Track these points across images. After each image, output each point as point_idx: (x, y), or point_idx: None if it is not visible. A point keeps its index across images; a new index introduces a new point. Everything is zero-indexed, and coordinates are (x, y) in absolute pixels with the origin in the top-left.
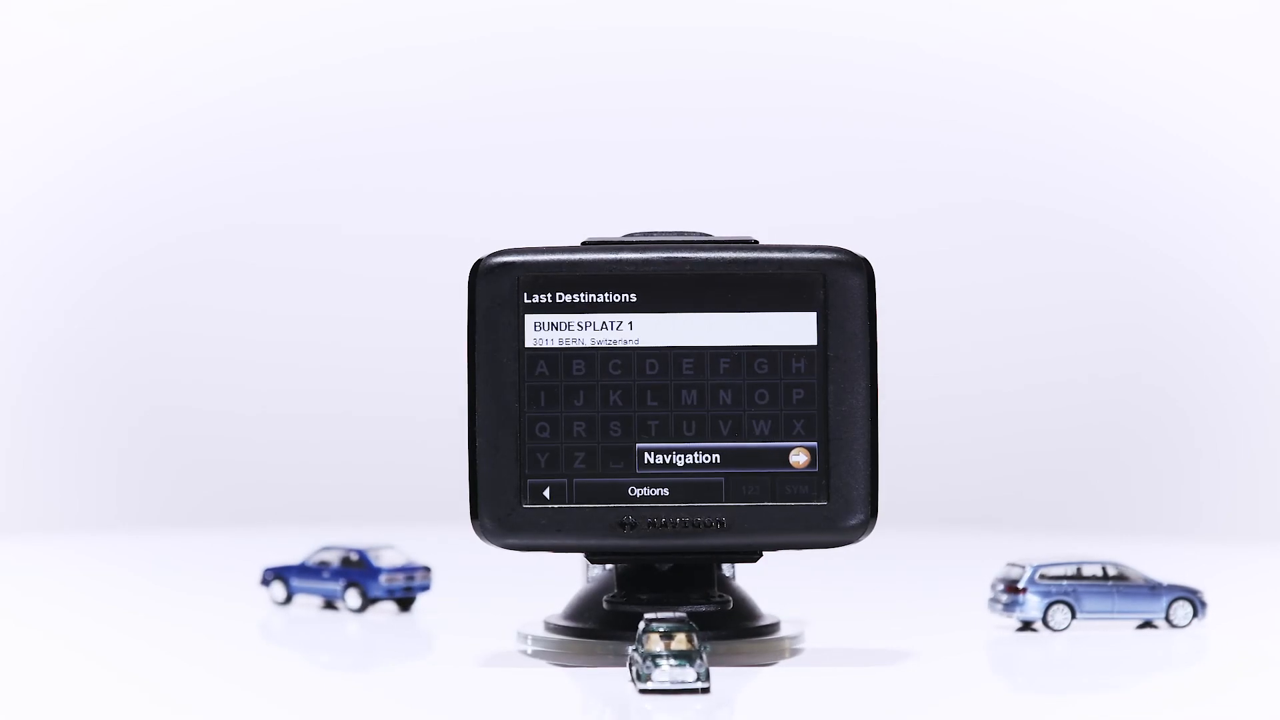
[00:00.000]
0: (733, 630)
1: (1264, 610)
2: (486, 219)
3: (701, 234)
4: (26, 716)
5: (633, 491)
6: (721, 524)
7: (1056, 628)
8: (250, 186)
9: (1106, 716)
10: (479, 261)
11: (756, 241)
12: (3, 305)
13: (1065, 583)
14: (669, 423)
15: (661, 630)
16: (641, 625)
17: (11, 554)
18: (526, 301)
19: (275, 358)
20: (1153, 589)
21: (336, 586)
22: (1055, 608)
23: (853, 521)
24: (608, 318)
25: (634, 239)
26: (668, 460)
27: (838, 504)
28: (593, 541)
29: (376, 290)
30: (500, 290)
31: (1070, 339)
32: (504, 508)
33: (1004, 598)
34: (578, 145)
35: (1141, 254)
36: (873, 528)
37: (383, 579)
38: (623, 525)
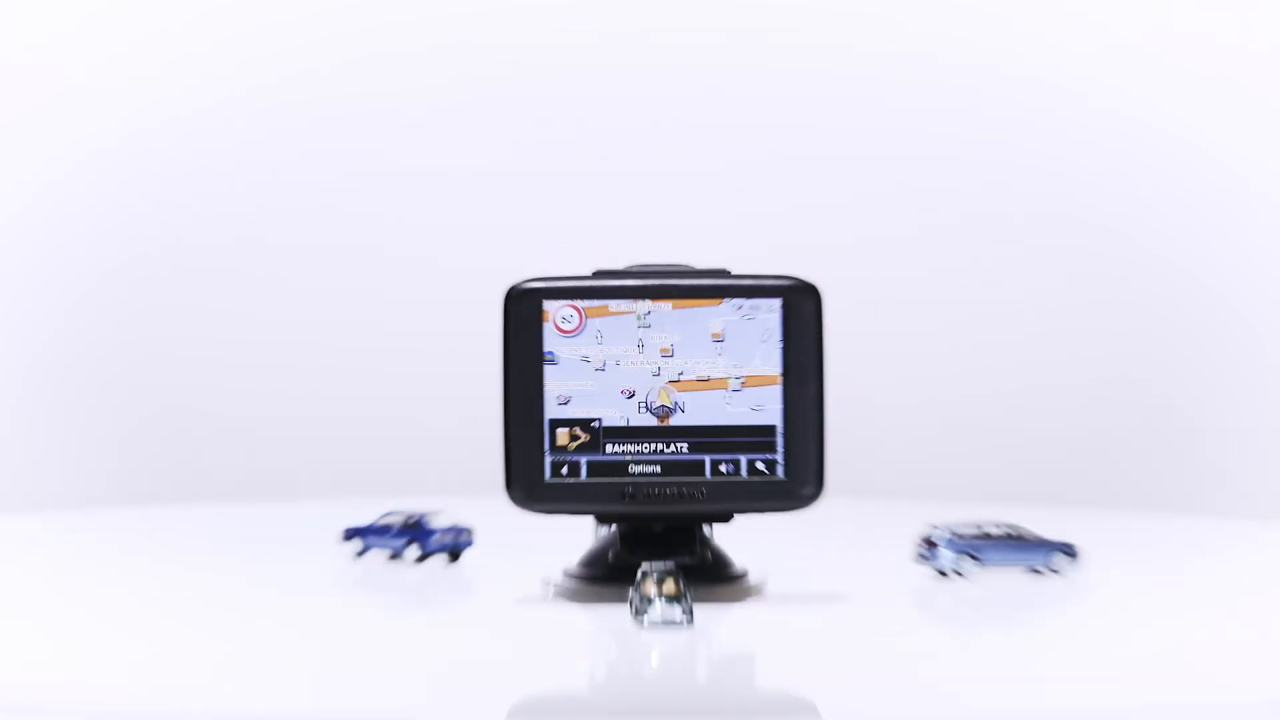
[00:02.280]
0: (710, 577)
1: (1132, 563)
2: (513, 247)
3: (686, 265)
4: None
5: (632, 470)
6: (702, 494)
7: (963, 573)
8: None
9: (998, 638)
10: (511, 288)
11: (728, 271)
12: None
13: (971, 540)
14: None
15: (655, 577)
16: (639, 573)
17: (118, 522)
18: (547, 318)
19: (349, 362)
20: (1038, 544)
21: (399, 543)
22: (963, 559)
23: (805, 492)
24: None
25: (634, 269)
26: (660, 445)
27: (793, 479)
28: (600, 508)
29: (417, 310)
30: (529, 309)
31: (1061, 338)
32: (531, 482)
33: (925, 551)
34: (588, 177)
35: (1132, 252)
36: (820, 496)
37: (435, 537)
38: (624, 495)
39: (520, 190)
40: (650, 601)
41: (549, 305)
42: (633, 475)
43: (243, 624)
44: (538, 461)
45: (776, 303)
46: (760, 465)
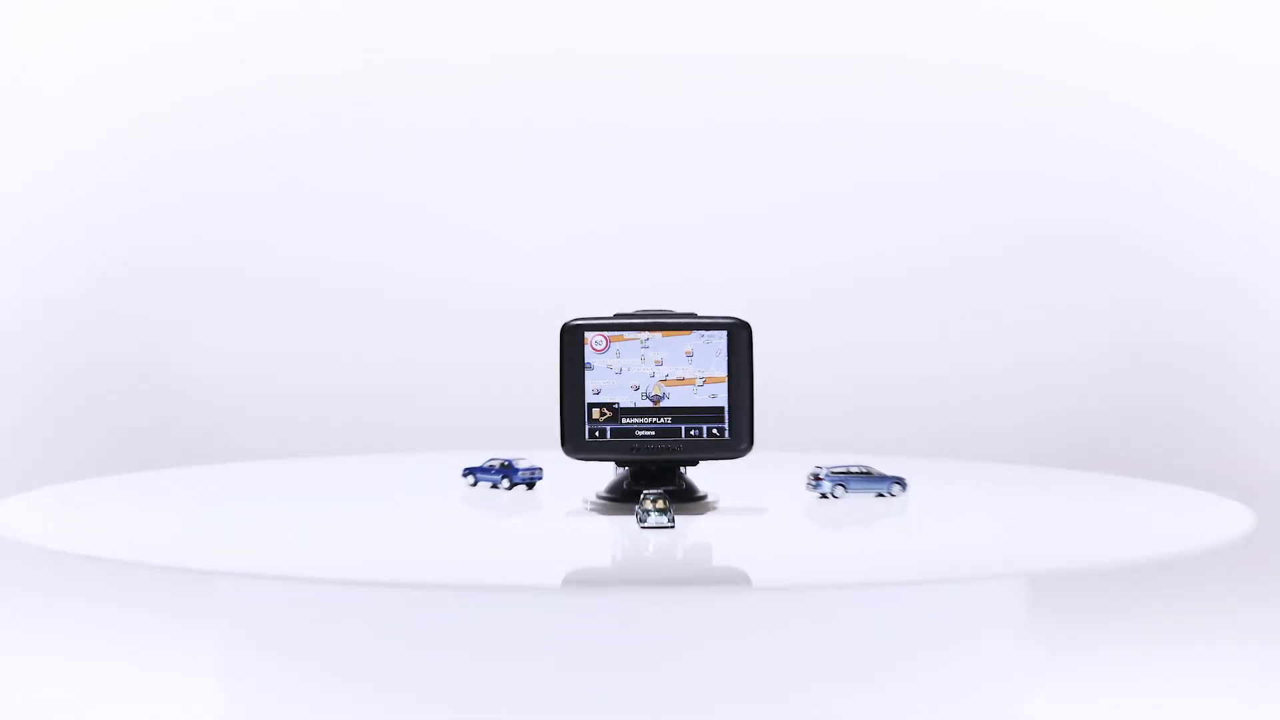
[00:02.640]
0: (685, 498)
1: (957, 494)
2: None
3: (671, 310)
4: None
5: (637, 434)
6: (679, 448)
7: (836, 497)
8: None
9: (851, 535)
10: (564, 324)
11: (696, 314)
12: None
13: (841, 474)
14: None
15: (651, 498)
16: (641, 496)
17: (253, 473)
18: (587, 343)
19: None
20: (883, 478)
21: (497, 477)
22: (836, 486)
23: (742, 447)
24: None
25: (639, 313)
26: (654, 419)
27: (734, 439)
28: (617, 456)
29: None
30: (576, 337)
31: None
32: (576, 441)
33: (812, 482)
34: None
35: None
36: (752, 449)
37: (520, 473)
38: (632, 449)
39: (551, 229)
40: (648, 513)
41: (588, 335)
42: (638, 437)
43: (397, 510)
44: (580, 428)
45: (724, 333)
46: (714, 430)
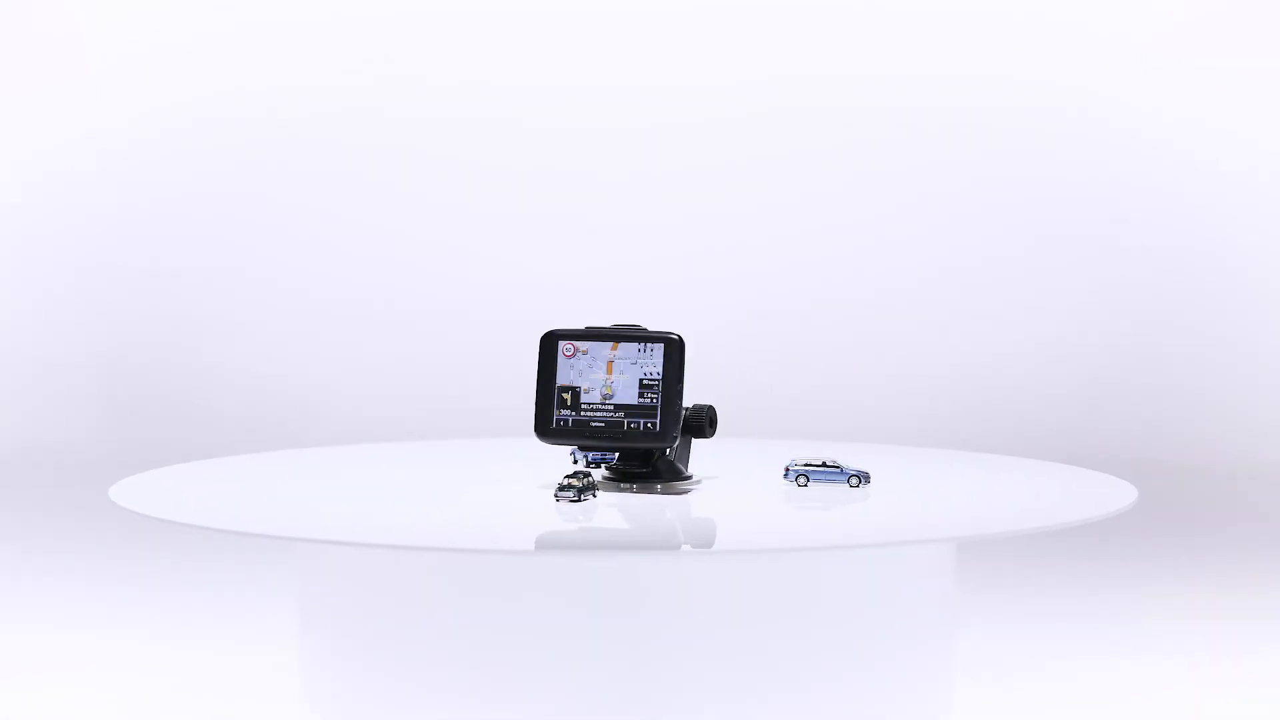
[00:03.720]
0: (673, 477)
1: (916, 485)
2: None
3: (631, 325)
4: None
5: (592, 424)
6: (620, 436)
7: (801, 486)
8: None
9: (812, 516)
10: (545, 333)
11: (643, 327)
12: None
13: (811, 466)
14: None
15: (568, 477)
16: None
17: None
18: (559, 350)
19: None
20: (844, 470)
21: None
22: (801, 477)
23: (670, 438)
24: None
25: (600, 328)
26: (606, 412)
27: (663, 431)
28: (576, 441)
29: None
30: (550, 344)
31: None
32: (545, 427)
33: (786, 472)
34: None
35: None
36: (677, 441)
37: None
38: (587, 435)
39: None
40: (564, 489)
41: (560, 343)
42: (591, 426)
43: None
44: (549, 418)
45: (661, 346)
46: (648, 424)
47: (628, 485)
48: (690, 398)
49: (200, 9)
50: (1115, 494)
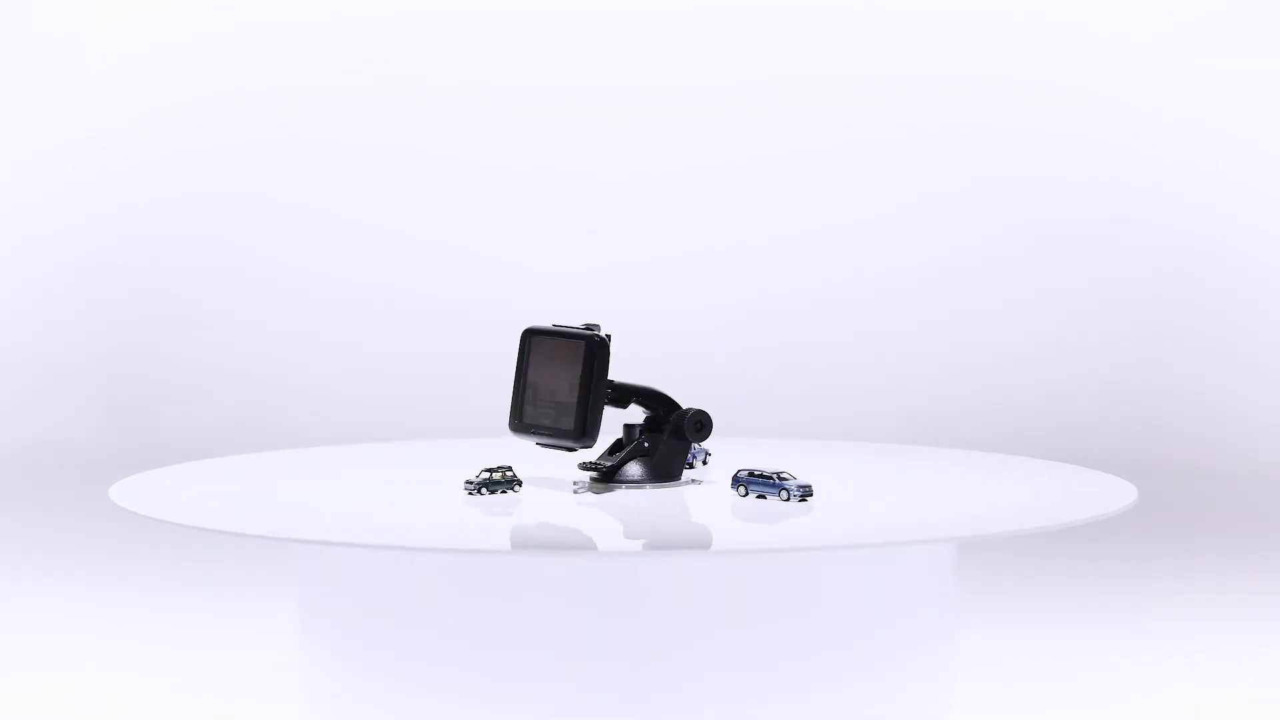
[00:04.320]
0: (662, 477)
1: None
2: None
3: (588, 324)
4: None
5: (540, 420)
6: (546, 433)
7: (741, 497)
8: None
9: (812, 516)
10: (525, 330)
11: (594, 327)
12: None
13: (751, 476)
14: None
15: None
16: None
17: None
18: (531, 345)
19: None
20: (787, 481)
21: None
22: (741, 486)
23: (584, 440)
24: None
25: (566, 326)
26: (548, 410)
27: (579, 432)
28: (529, 437)
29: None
30: (525, 341)
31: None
32: (514, 423)
33: (733, 482)
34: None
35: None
36: (591, 441)
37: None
38: (534, 432)
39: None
40: (469, 481)
41: (534, 339)
42: (539, 423)
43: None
44: (519, 413)
45: (583, 344)
46: (568, 424)
47: (605, 485)
48: (690, 398)
49: (200, 9)
50: (1115, 494)
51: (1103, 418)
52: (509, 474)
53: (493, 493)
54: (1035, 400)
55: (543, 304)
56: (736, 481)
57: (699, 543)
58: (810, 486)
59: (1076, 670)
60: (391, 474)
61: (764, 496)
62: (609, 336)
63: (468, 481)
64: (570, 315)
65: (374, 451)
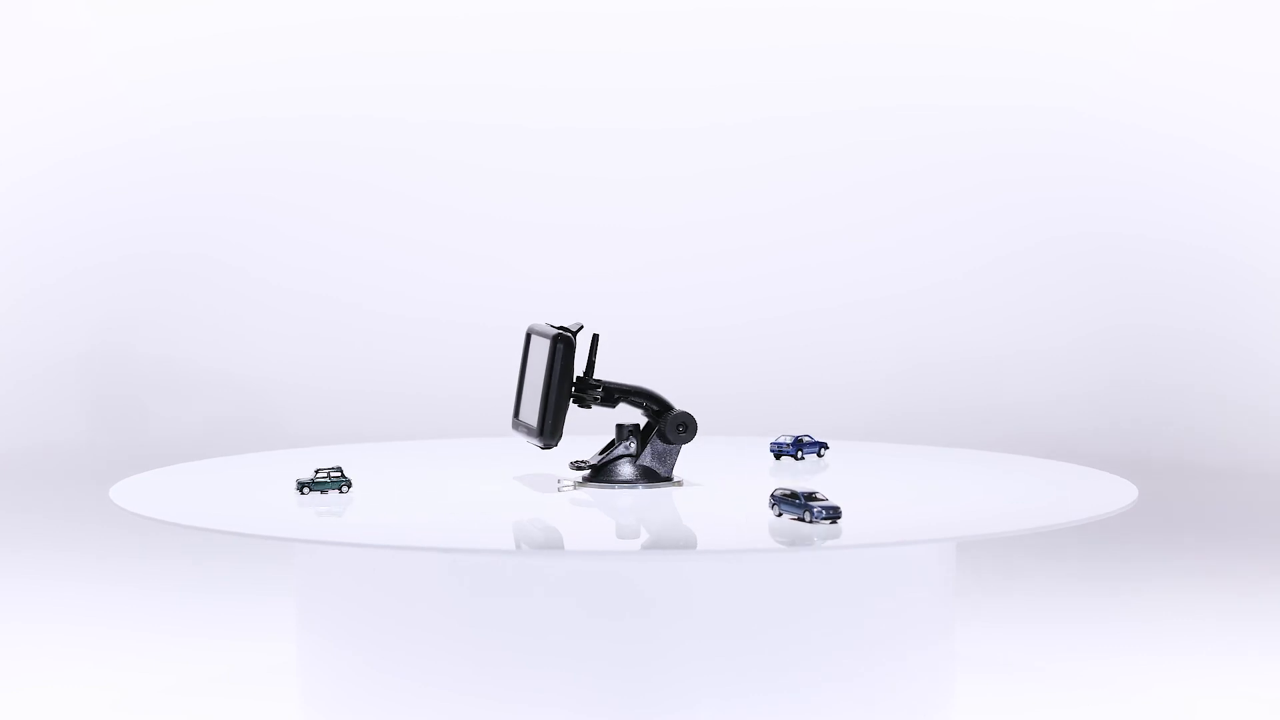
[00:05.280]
0: (651, 478)
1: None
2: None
3: (572, 323)
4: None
5: (527, 419)
6: (522, 431)
7: (777, 517)
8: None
9: (760, 528)
10: (529, 328)
11: (576, 326)
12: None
13: (784, 496)
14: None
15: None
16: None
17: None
18: (529, 344)
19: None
20: (813, 504)
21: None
22: (784, 507)
23: (545, 438)
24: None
25: (558, 326)
26: (532, 407)
27: (539, 429)
28: (523, 437)
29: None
30: (528, 339)
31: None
32: (513, 420)
33: (770, 500)
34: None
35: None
36: (554, 442)
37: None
38: (519, 429)
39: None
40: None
41: (533, 338)
42: (523, 420)
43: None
44: (517, 408)
45: (548, 342)
46: (536, 424)
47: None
48: (691, 398)
49: (200, 9)
50: (1115, 494)
51: (1103, 418)
52: (335, 474)
53: (323, 492)
54: (1035, 400)
55: (543, 305)
56: (773, 500)
57: (700, 544)
58: (839, 508)
59: (1076, 670)
60: (391, 474)
61: (798, 518)
62: (586, 334)
63: (299, 480)
64: (570, 316)
65: (372, 452)
